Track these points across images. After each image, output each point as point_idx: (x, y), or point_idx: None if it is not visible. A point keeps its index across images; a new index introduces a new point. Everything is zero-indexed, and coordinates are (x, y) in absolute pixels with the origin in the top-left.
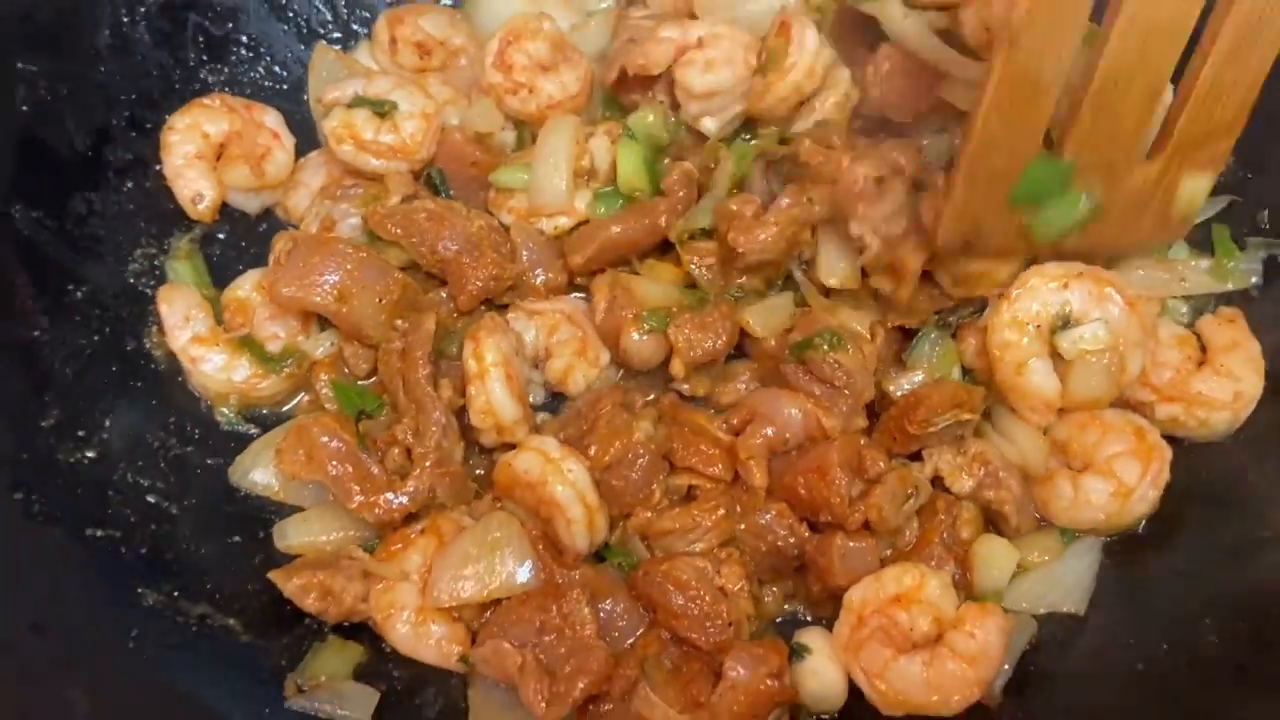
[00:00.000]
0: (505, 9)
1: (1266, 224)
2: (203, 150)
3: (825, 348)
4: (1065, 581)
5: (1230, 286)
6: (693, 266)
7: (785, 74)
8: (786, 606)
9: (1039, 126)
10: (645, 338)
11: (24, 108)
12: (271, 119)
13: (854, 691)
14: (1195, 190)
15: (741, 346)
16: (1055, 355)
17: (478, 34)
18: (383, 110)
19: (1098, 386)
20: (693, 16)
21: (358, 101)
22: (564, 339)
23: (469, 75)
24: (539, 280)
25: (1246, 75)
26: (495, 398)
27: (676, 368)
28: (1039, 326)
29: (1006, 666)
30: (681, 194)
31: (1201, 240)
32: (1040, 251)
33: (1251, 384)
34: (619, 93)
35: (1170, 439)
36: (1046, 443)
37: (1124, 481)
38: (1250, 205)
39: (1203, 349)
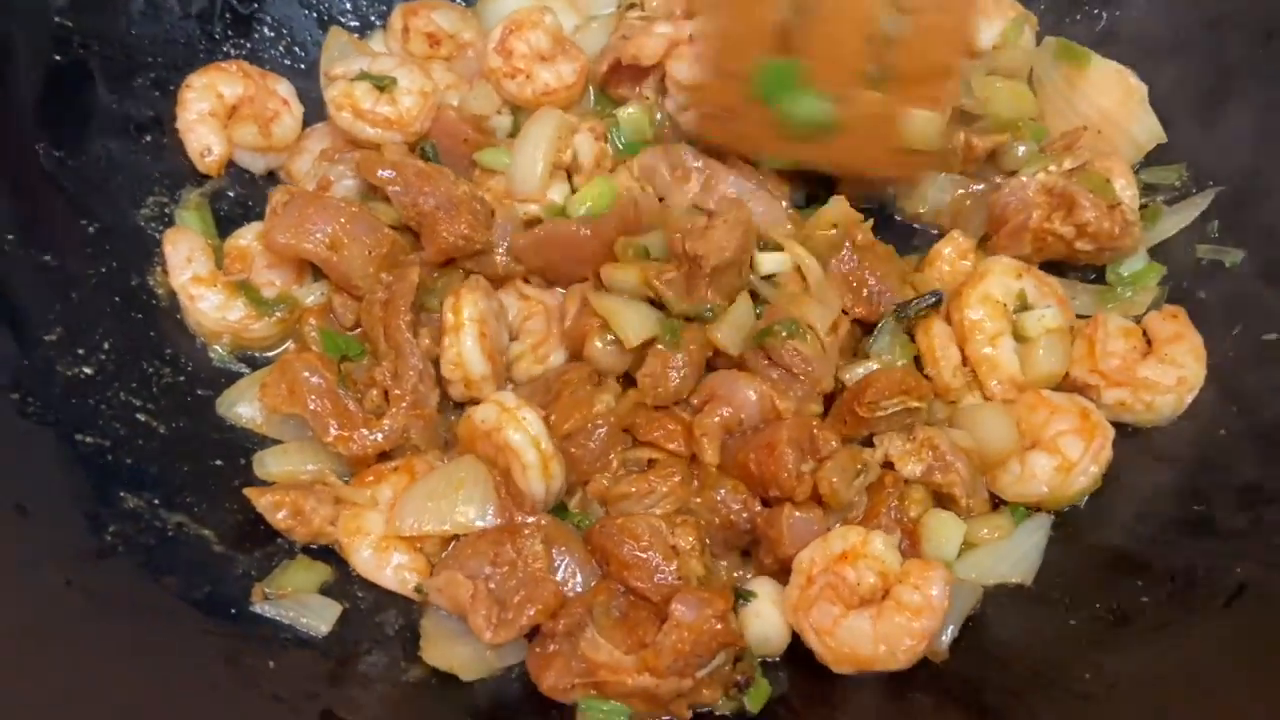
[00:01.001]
0: (513, 8)
1: (1216, 233)
2: (215, 109)
3: (784, 335)
4: (1013, 555)
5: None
6: (656, 284)
7: None
8: (736, 575)
9: (763, 28)
10: (609, 347)
11: (56, 58)
12: (283, 88)
13: (805, 653)
14: (921, 123)
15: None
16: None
17: (485, 31)
18: (383, 85)
19: (1056, 362)
20: (689, 15)
21: (361, 76)
22: (531, 329)
23: (473, 67)
24: (500, 259)
25: (951, 20)
26: (466, 350)
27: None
28: (1006, 305)
29: (952, 627)
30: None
31: (1158, 254)
32: (798, 154)
33: (1194, 371)
34: (610, 86)
35: (1119, 427)
36: (1013, 422)
37: (1067, 456)
38: (1204, 216)
39: (1148, 342)
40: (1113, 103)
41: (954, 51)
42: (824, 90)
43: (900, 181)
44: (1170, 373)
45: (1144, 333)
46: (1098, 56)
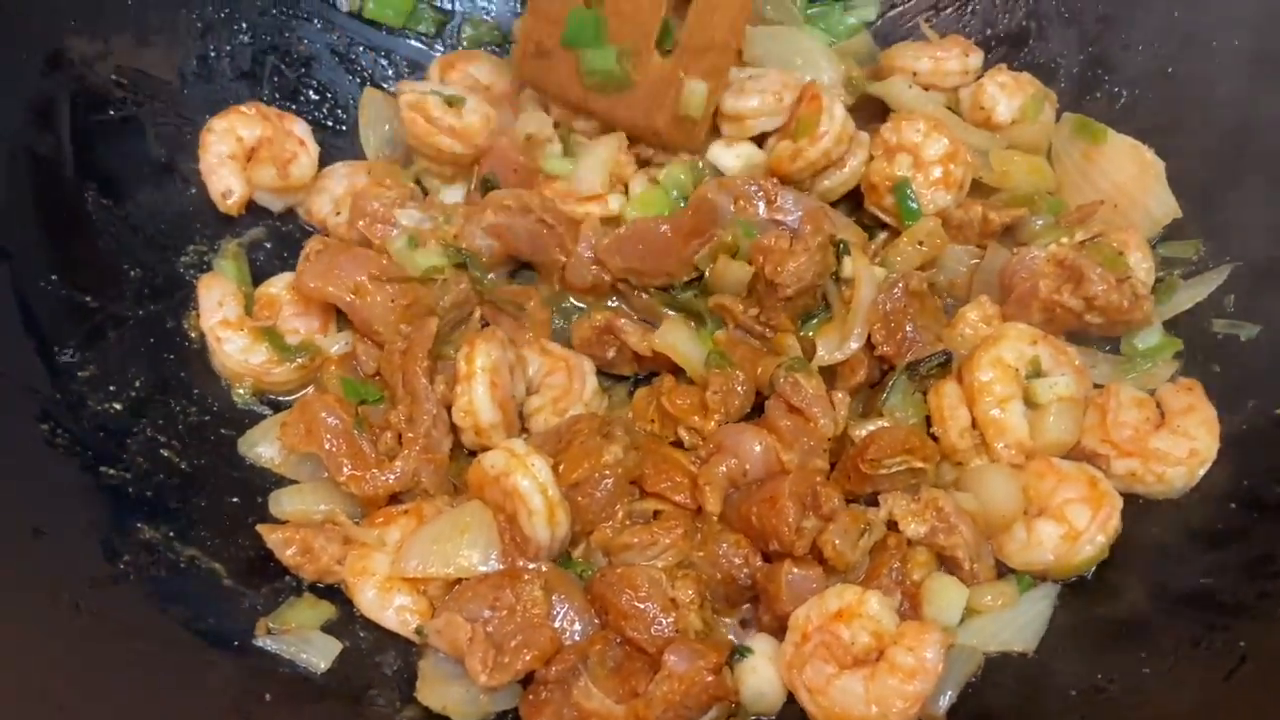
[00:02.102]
0: None
1: (1232, 308)
2: (235, 151)
3: (784, 369)
4: (1016, 622)
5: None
6: (727, 332)
7: (817, 141)
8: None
9: None
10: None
11: (110, 112)
12: (299, 128)
13: (800, 712)
14: (696, 93)
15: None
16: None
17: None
18: (452, 102)
19: (1066, 431)
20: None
21: (433, 92)
22: (552, 384)
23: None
24: (588, 268)
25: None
26: (477, 399)
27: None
28: (1018, 370)
29: (950, 692)
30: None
31: (1174, 327)
32: (595, 106)
33: (1206, 445)
34: None
35: (1129, 498)
36: (1019, 486)
37: (1074, 525)
38: (1220, 290)
39: (1161, 414)
40: (1129, 178)
41: (732, 30)
42: (621, 46)
43: (674, 148)
44: (1183, 445)
45: (1157, 404)
46: (1114, 132)
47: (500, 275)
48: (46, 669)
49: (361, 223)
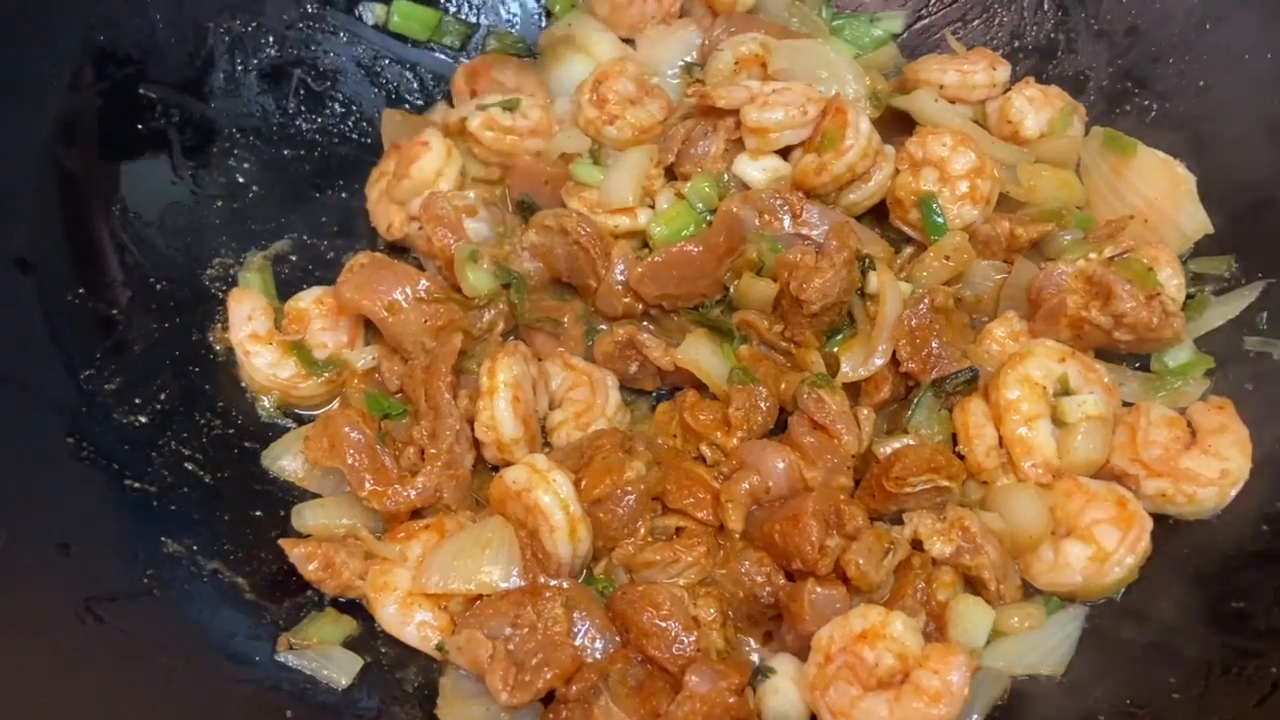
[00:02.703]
0: (580, 73)
1: (1265, 325)
2: (383, 188)
3: (808, 385)
4: (1045, 645)
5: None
6: (750, 347)
7: (842, 154)
8: (757, 659)
9: None
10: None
11: (139, 127)
12: (428, 132)
13: None
14: None
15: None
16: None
17: (547, 86)
18: (511, 106)
19: (1095, 450)
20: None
21: (486, 105)
22: (575, 398)
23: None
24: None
25: None
26: (499, 414)
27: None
28: (1045, 388)
29: (976, 716)
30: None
31: (1205, 344)
32: None
33: (1238, 465)
34: (676, 165)
35: (1159, 518)
36: (1046, 506)
37: (1103, 546)
38: (1253, 307)
39: (1192, 433)
40: (1159, 193)
41: None
42: None
43: None
44: (1214, 465)
45: (1188, 423)
46: (1144, 146)
47: (540, 294)
48: (69, 682)
49: (428, 226)
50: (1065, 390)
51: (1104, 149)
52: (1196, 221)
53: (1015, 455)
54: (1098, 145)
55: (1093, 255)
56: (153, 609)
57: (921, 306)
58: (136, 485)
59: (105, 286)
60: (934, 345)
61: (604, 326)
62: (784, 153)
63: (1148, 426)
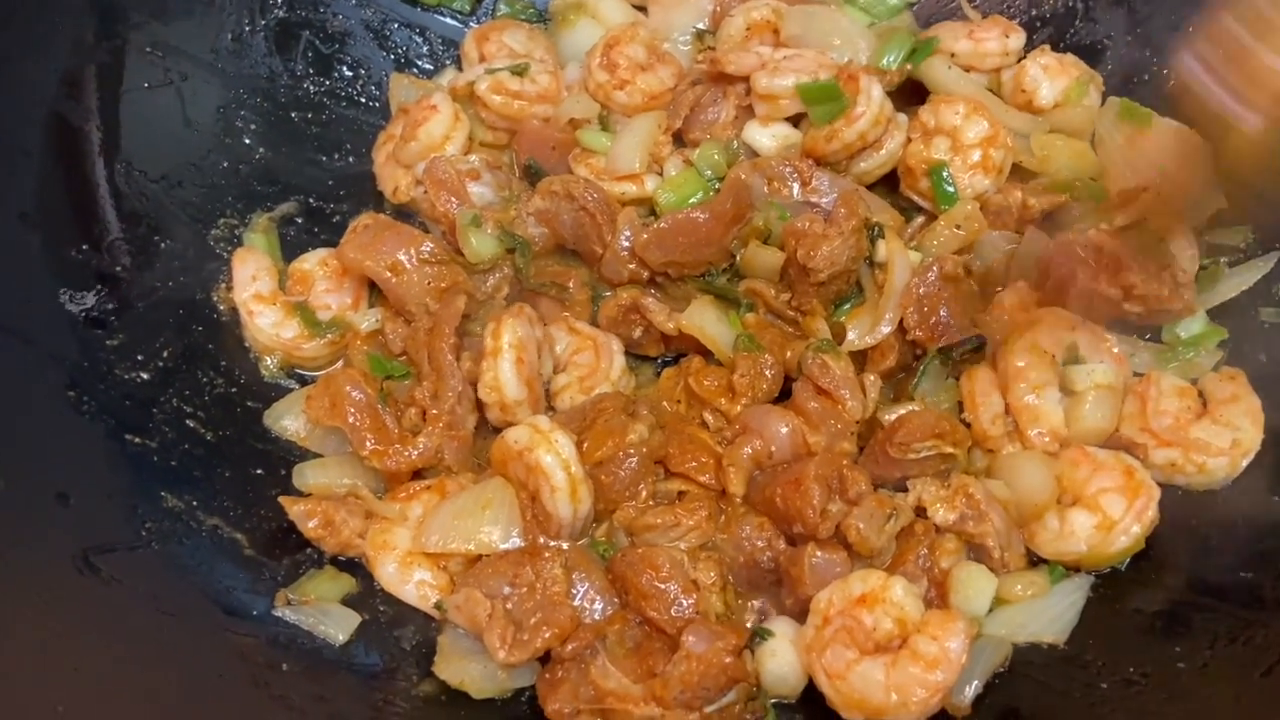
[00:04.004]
0: (590, 37)
1: None
2: (390, 151)
3: (812, 351)
4: (1048, 613)
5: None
6: (756, 314)
7: (853, 122)
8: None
9: None
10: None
11: (145, 84)
12: (436, 96)
13: (822, 697)
14: None
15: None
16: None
17: (556, 51)
18: (520, 70)
19: (1103, 419)
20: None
21: (494, 69)
22: (579, 362)
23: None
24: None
25: None
26: (503, 375)
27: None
28: (1053, 356)
29: (976, 682)
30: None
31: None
32: None
33: (1250, 435)
34: (684, 132)
35: (1169, 489)
36: (1053, 474)
37: (1108, 515)
38: (1268, 278)
39: (1204, 403)
40: (1175, 164)
41: None
42: None
43: None
44: (1225, 435)
45: (1199, 393)
46: (1160, 117)
47: (546, 260)
48: (66, 631)
49: (432, 190)
50: (1074, 359)
51: (1119, 120)
52: (1212, 192)
53: (1022, 423)
54: (1113, 115)
55: (1104, 226)
56: (151, 562)
57: (930, 274)
58: (137, 440)
59: (108, 243)
60: (942, 313)
61: (608, 293)
62: (794, 120)
63: (1158, 396)
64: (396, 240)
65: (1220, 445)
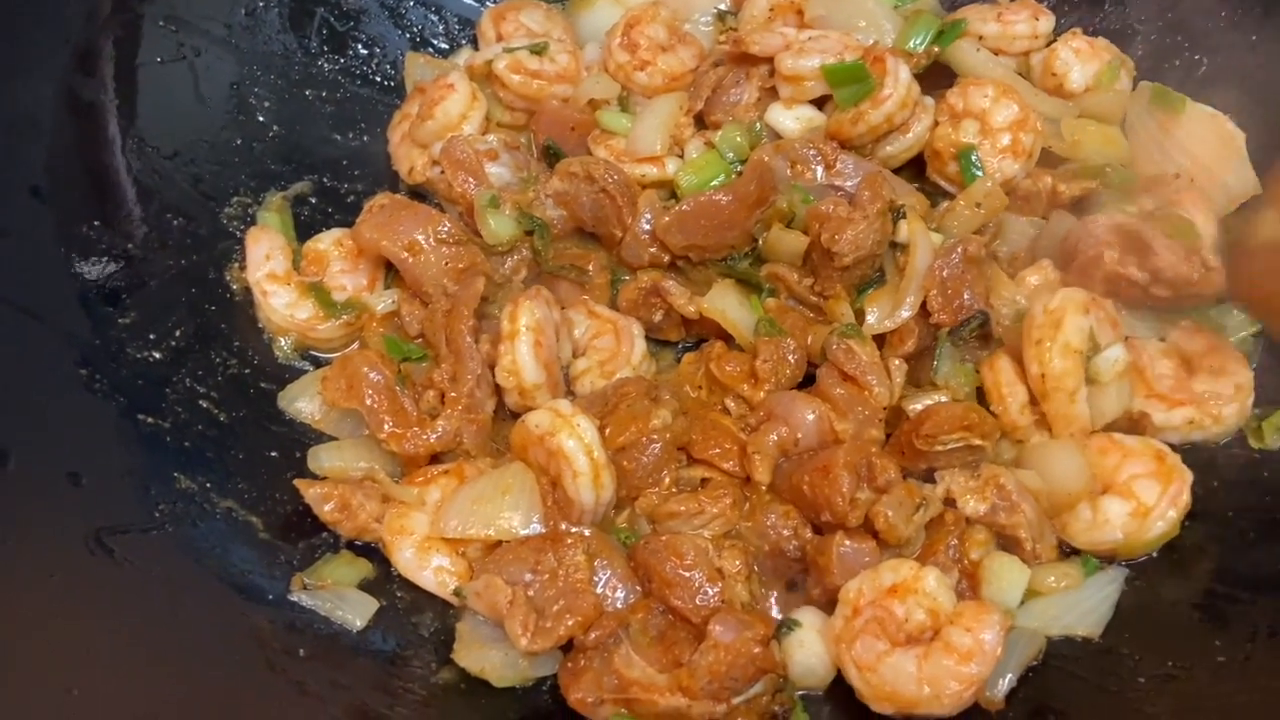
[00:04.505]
0: (609, 17)
1: None
2: (406, 130)
3: (837, 336)
4: (1082, 605)
5: None
6: (778, 299)
7: (880, 104)
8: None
9: None
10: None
11: (158, 59)
12: (453, 75)
13: (850, 690)
14: None
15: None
16: None
17: (574, 31)
18: (540, 50)
19: (1122, 404)
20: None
21: (513, 48)
22: (599, 346)
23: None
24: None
25: None
26: (521, 358)
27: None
28: (1080, 352)
29: (1010, 675)
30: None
31: None
32: None
33: (1244, 375)
34: (706, 114)
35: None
36: (1086, 463)
37: (1143, 501)
38: None
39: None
40: (1207, 150)
41: None
42: None
43: None
44: (1226, 382)
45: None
46: (1193, 103)
47: (564, 243)
48: (79, 613)
49: (449, 170)
50: (1094, 347)
51: (1152, 105)
52: (1245, 181)
53: (1057, 428)
54: (1145, 101)
55: (1131, 209)
56: (164, 543)
57: (954, 256)
58: (149, 420)
59: (120, 219)
60: (965, 296)
61: (627, 277)
62: (819, 103)
63: (1151, 361)
64: (414, 220)
65: (1227, 393)
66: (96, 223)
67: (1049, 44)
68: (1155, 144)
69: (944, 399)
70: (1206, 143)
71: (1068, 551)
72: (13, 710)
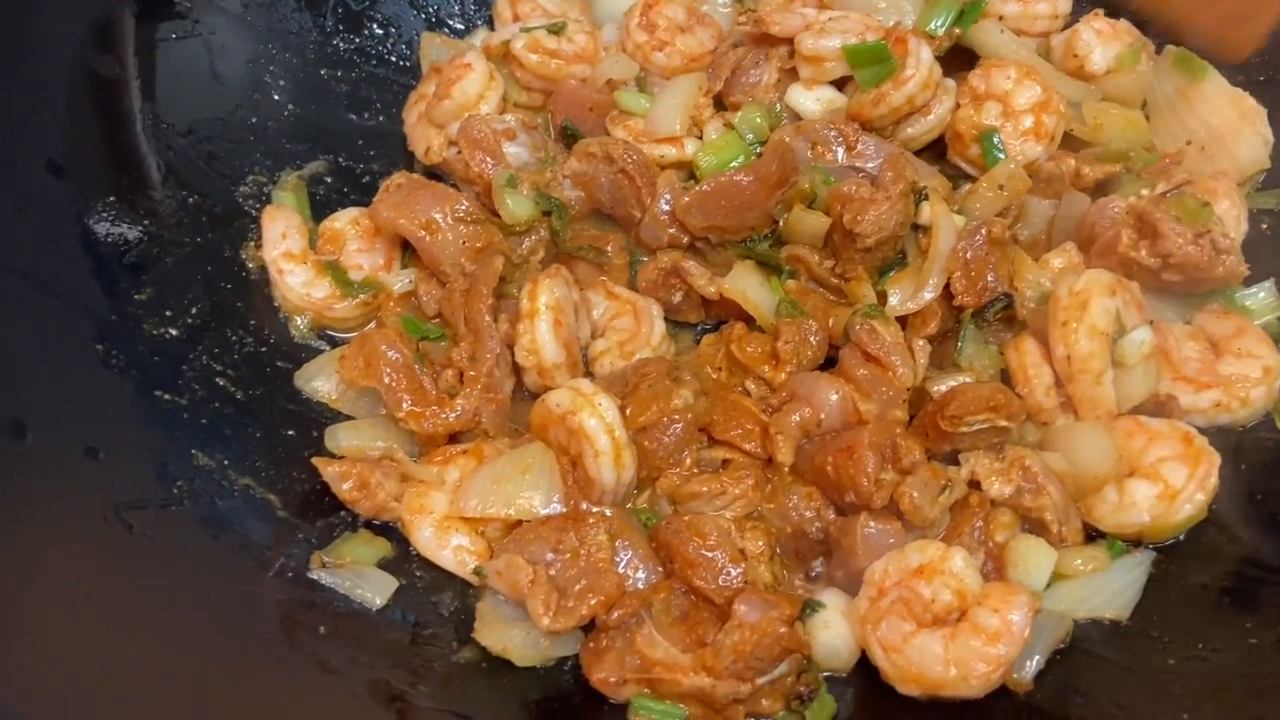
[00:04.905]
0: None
1: None
2: (422, 110)
3: (860, 316)
4: (1110, 588)
5: None
6: (797, 281)
7: (901, 85)
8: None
9: None
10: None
11: (173, 35)
12: (470, 55)
13: (874, 672)
14: None
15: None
16: None
17: (591, 13)
18: (558, 29)
19: (1149, 386)
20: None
21: (530, 28)
22: (619, 327)
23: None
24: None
25: None
26: (540, 337)
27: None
28: (1106, 334)
29: (1038, 657)
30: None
31: None
32: None
33: (1272, 357)
34: (725, 95)
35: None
36: (1114, 445)
37: (1171, 484)
38: None
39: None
40: (1224, 122)
41: None
42: None
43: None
44: (1254, 365)
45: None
46: (1216, 73)
47: (581, 224)
48: (100, 586)
49: (466, 150)
50: (1120, 329)
51: (1173, 69)
52: (1255, 154)
53: (1082, 411)
54: (1167, 65)
55: (1145, 191)
56: (183, 519)
57: (978, 238)
58: (166, 397)
59: (136, 195)
60: (989, 278)
61: (645, 258)
62: (839, 84)
63: (1177, 344)
64: (431, 199)
65: (1255, 375)
66: (112, 198)
67: (1065, 26)
68: (1172, 110)
69: (968, 380)
70: (1224, 114)
71: (1092, 535)
72: (36, 681)
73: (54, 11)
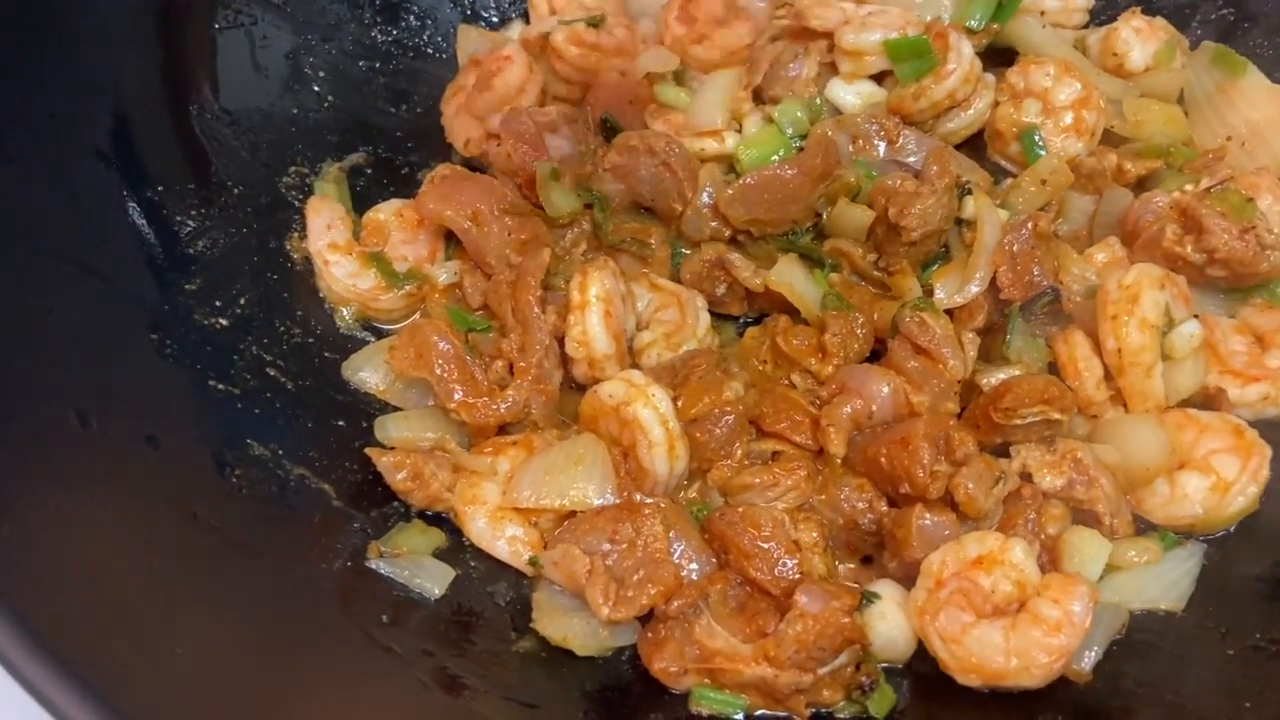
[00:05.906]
0: None
1: None
2: (461, 102)
3: (910, 309)
4: (1164, 580)
5: None
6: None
7: (943, 79)
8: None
9: None
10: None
11: (217, 25)
12: (510, 47)
13: (930, 663)
14: None
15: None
16: None
17: (627, 5)
18: (597, 23)
19: (1197, 379)
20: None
21: (569, 21)
22: (664, 319)
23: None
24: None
25: None
26: (591, 329)
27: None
28: (1156, 327)
29: (1097, 648)
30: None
31: None
32: None
33: None
34: (763, 89)
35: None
36: (1166, 437)
37: (1223, 476)
38: None
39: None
40: (1263, 117)
41: None
42: None
43: None
44: None
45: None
46: (1255, 69)
47: (621, 217)
48: (171, 573)
49: (509, 142)
50: (1169, 321)
51: (1212, 65)
52: None
53: (1133, 404)
54: (1206, 61)
55: (1188, 187)
56: (243, 509)
57: (1024, 231)
58: (220, 386)
59: (182, 186)
60: (1035, 272)
61: (687, 251)
62: (878, 78)
63: (1224, 337)
64: (477, 190)
65: None
66: (160, 188)
67: (1089, 24)
68: (1211, 106)
69: (1018, 374)
70: (1264, 110)
71: (1142, 527)
72: (124, 669)
73: (102, 2)
